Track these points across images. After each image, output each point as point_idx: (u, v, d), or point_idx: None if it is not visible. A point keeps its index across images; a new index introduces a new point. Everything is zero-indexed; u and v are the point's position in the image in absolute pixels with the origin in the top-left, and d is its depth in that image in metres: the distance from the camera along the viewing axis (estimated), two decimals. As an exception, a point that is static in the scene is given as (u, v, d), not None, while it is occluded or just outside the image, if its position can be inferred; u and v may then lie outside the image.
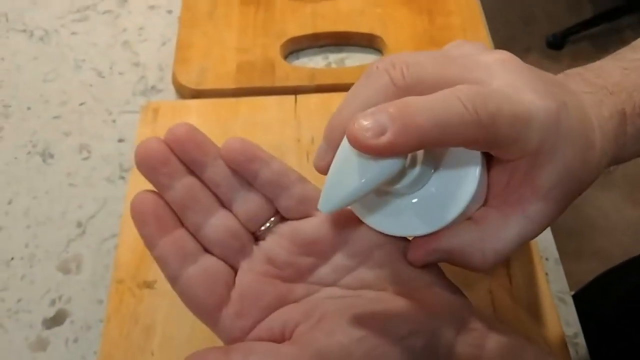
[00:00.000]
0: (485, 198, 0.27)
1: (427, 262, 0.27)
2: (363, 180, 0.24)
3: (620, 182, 1.38)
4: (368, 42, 0.54)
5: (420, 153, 0.26)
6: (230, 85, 0.50)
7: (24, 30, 0.57)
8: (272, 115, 0.48)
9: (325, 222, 0.28)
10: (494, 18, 0.55)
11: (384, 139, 0.21)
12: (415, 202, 0.26)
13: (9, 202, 0.46)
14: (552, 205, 0.25)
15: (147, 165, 0.28)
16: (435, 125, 0.22)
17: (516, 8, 1.77)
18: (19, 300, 0.41)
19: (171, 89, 0.52)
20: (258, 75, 0.51)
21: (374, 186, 0.24)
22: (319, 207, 0.25)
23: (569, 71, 0.29)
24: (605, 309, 0.57)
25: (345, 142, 0.25)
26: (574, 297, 0.40)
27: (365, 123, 0.22)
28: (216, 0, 0.56)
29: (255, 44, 0.53)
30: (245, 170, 0.28)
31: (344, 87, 0.50)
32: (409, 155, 0.26)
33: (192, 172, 0.28)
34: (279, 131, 0.48)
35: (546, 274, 0.40)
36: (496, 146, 0.24)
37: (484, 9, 0.56)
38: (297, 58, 0.54)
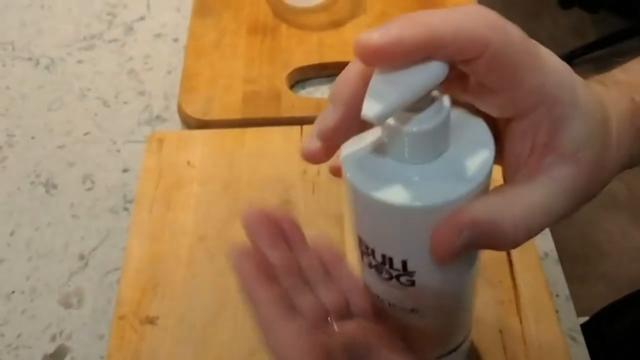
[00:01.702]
0: (509, 174, 0.25)
1: (456, 246, 0.24)
2: (411, 82, 0.22)
3: (627, 205, 1.38)
4: (374, 72, 0.54)
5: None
6: (236, 115, 0.50)
7: (30, 59, 0.57)
8: (278, 146, 0.48)
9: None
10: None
11: (389, 35, 0.21)
12: (429, 172, 0.24)
13: (11, 234, 0.45)
14: (581, 170, 0.24)
15: (252, 230, 0.29)
16: (440, 24, 0.21)
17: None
18: (19, 336, 0.40)
19: (176, 118, 0.52)
20: (264, 105, 0.51)
21: (422, 88, 0.22)
22: (363, 113, 0.23)
23: None
24: (610, 340, 0.56)
25: None
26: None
27: (371, 32, 0.21)
28: (223, 29, 0.56)
29: (261, 74, 0.53)
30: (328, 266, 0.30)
31: (350, 118, 0.49)
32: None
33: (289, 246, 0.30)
34: (285, 162, 0.47)
35: (556, 311, 0.40)
36: (510, 75, 0.23)
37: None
38: (303, 88, 0.54)
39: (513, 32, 0.22)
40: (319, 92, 0.54)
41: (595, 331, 0.56)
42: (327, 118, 0.24)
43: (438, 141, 0.24)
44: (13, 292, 0.42)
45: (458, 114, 0.25)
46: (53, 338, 0.40)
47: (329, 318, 0.30)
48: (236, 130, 0.49)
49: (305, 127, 0.49)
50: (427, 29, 0.21)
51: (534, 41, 0.24)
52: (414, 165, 0.24)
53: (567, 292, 0.41)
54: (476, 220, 0.23)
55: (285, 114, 0.50)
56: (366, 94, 0.23)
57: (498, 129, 0.26)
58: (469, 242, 0.24)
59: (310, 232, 0.31)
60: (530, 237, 0.24)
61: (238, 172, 0.47)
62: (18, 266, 0.43)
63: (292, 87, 0.53)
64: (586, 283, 1.25)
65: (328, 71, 0.54)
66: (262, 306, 0.28)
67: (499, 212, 0.24)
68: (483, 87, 0.23)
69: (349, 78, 0.24)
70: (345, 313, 0.30)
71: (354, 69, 0.24)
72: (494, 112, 0.25)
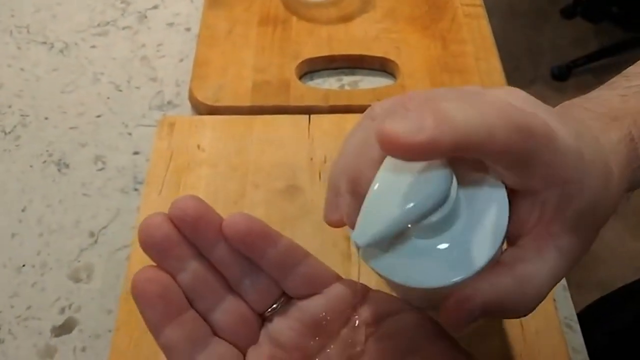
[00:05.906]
0: (513, 237, 0.25)
1: (467, 323, 0.25)
2: (410, 205, 0.21)
3: (625, 214, 1.39)
4: (381, 66, 0.55)
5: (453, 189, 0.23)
6: (246, 102, 0.51)
7: (45, 42, 0.58)
8: (286, 133, 0.49)
9: (331, 299, 0.27)
10: (501, 49, 0.56)
11: (424, 134, 0.19)
12: (438, 249, 0.24)
13: (23, 210, 0.46)
14: (581, 238, 0.25)
15: (153, 248, 0.26)
16: (476, 125, 0.21)
17: (523, 40, 1.79)
18: (28, 307, 0.41)
19: (187, 105, 0.53)
20: (273, 94, 0.52)
21: (422, 212, 0.21)
22: (353, 238, 0.22)
23: (566, 103, 0.29)
24: (606, 329, 0.57)
25: (384, 166, 0.23)
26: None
27: (401, 122, 0.20)
28: (234, 19, 0.57)
29: (271, 64, 0.54)
30: (250, 251, 0.27)
31: (356, 109, 0.51)
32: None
33: (199, 252, 0.27)
34: (292, 149, 0.48)
35: (554, 300, 0.41)
36: (528, 164, 0.23)
37: (492, 39, 0.57)
38: (312, 79, 0.55)
39: (538, 125, 0.22)
40: (327, 83, 0.55)
41: (591, 320, 0.57)
42: (331, 207, 0.25)
43: (446, 222, 0.24)
44: (24, 265, 0.43)
45: (475, 177, 0.25)
46: (62, 311, 0.41)
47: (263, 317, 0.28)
48: (245, 117, 0.50)
49: (313, 116, 0.50)
50: (462, 134, 0.20)
51: (553, 114, 0.24)
52: (423, 240, 0.24)
53: (564, 282, 0.42)
54: (487, 302, 0.24)
55: (294, 103, 0.51)
56: (358, 219, 0.22)
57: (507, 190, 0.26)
58: (482, 317, 0.24)
59: (231, 214, 0.26)
60: (537, 305, 0.25)
61: (246, 157, 0.48)
62: (29, 241, 0.44)
63: (301, 77, 0.54)
64: (582, 290, 1.26)
65: (336, 63, 0.55)
66: (168, 349, 0.26)
67: (511, 294, 0.24)
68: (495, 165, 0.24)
69: (367, 166, 0.24)
70: (279, 297, 0.28)
71: (372, 155, 0.24)
72: (504, 181, 0.25)
